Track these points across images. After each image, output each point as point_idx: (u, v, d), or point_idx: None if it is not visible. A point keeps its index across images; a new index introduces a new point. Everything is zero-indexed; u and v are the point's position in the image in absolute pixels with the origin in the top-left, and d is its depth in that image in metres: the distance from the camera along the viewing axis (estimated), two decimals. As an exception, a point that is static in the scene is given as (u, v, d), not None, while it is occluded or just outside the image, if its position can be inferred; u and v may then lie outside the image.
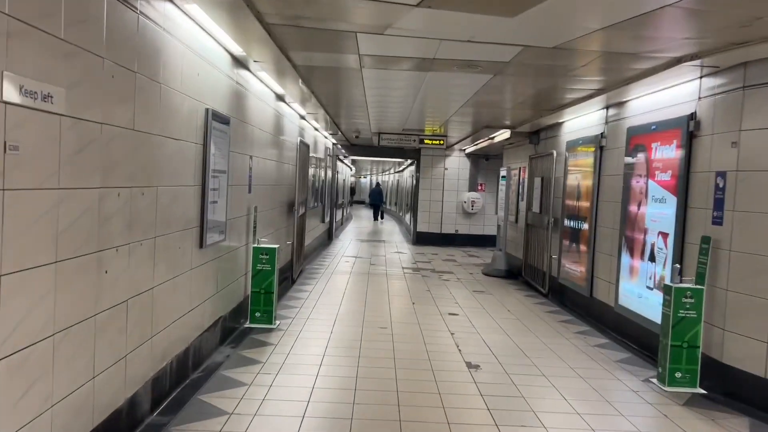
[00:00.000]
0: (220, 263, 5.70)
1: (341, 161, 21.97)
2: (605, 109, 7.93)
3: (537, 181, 10.51)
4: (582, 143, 8.59)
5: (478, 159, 17.69)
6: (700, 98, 5.69)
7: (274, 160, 8.35)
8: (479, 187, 17.79)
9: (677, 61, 5.06)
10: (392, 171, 34.08)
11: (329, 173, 16.93)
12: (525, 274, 11.15)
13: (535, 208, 10.54)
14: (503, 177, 12.28)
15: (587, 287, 8.09)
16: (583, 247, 8.34)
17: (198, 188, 4.90)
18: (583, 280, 8.26)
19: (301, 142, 9.67)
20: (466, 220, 17.70)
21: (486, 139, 13.19)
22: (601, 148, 7.95)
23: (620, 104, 7.45)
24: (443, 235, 17.58)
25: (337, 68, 6.34)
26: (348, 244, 16.96)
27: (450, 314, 7.91)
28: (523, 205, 11.84)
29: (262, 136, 7.47)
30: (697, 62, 4.98)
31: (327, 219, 16.84)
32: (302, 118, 10.91)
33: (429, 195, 17.67)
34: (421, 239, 17.63)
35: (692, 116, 5.75)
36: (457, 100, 8.41)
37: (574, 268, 8.63)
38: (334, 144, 17.51)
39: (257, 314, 6.74)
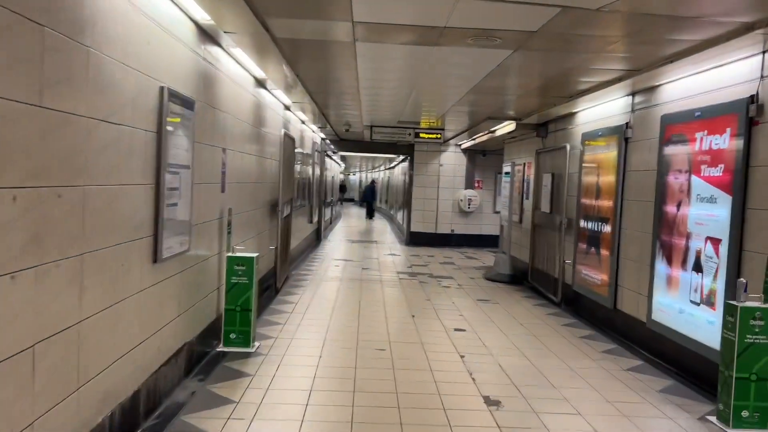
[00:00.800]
0: (183, 278, 4.67)
1: (330, 157, 20.94)
2: (630, 96, 6.98)
3: (546, 177, 9.55)
4: (602, 135, 7.63)
5: (475, 154, 16.74)
6: (762, 77, 4.74)
7: (255, 154, 7.32)
8: (476, 185, 16.83)
9: (747, 28, 4.10)
10: (383, 168, 33.08)
11: (317, 170, 15.89)
12: (532, 279, 10.20)
13: (544, 207, 9.58)
14: (507, 173, 11.32)
15: (610, 298, 7.14)
16: (604, 252, 7.39)
17: (150, 187, 3.87)
18: (604, 290, 7.31)
19: (285, 135, 8.65)
20: (463, 219, 16.75)
21: (486, 132, 12.23)
22: (626, 139, 7.00)
23: (650, 89, 6.50)
24: (439, 236, 16.61)
25: (325, 43, 5.32)
26: (338, 245, 15.95)
27: (456, 330, 6.93)
28: (528, 203, 10.88)
29: (240, 127, 6.44)
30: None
31: (315, 219, 15.82)
32: (287, 108, 9.88)
33: (423, 193, 16.69)
34: (415, 240, 16.65)
35: (752, 99, 4.80)
36: (461, 86, 7.43)
37: (592, 276, 7.68)
38: (322, 139, 16.48)
39: (232, 336, 5.72)
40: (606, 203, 7.39)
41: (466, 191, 16.56)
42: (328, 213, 21.29)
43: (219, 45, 5.40)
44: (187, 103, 4.42)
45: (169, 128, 4.05)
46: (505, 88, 7.37)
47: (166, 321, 4.31)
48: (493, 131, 11.80)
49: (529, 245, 10.56)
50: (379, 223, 26.01)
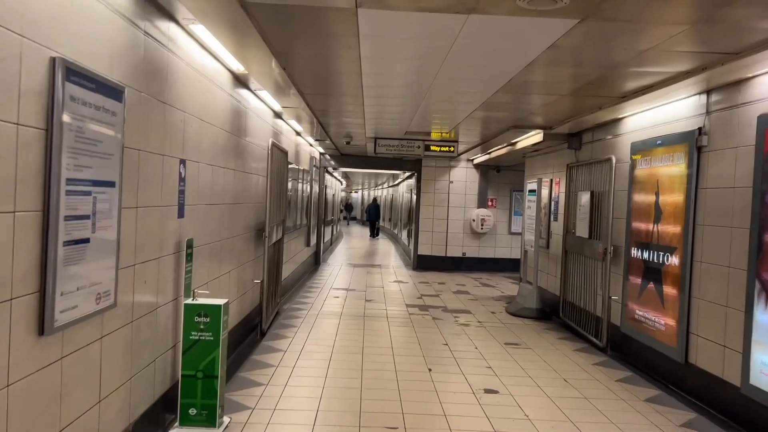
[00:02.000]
0: (108, 346, 3.21)
1: (330, 174, 19.55)
2: (704, 94, 5.55)
3: (582, 196, 8.10)
4: (662, 144, 6.19)
5: (487, 171, 15.31)
6: None
7: (233, 169, 5.90)
8: (489, 203, 15.39)
9: None
10: (386, 185, 31.69)
11: (316, 187, 14.48)
12: (564, 315, 8.71)
13: (581, 231, 8.12)
14: (531, 191, 9.86)
15: (679, 349, 5.65)
16: (668, 290, 5.91)
17: (32, 216, 2.43)
18: (670, 337, 5.83)
19: (274, 146, 7.24)
20: (475, 241, 15.28)
21: (505, 145, 10.81)
22: (699, 148, 5.56)
23: (735, 84, 5.07)
24: (448, 259, 15.12)
25: (318, 13, 3.91)
26: (338, 270, 14.46)
27: (486, 392, 5.43)
28: (557, 226, 9.42)
29: (210, 134, 5.02)
30: None
31: (313, 241, 14.37)
32: (278, 116, 8.47)
33: (432, 212, 15.25)
34: (422, 264, 15.17)
35: None
36: (489, 83, 6.01)
37: (651, 318, 6.20)
38: (321, 154, 15.09)
39: (192, 411, 4.23)
40: (670, 228, 5.93)
41: (478, 210, 15.12)
42: (328, 233, 19.85)
43: (173, 19, 4.00)
44: (109, 90, 2.99)
45: (70, 123, 2.62)
46: (543, 86, 5.95)
47: (72, 415, 2.84)
48: (514, 143, 10.39)
49: (559, 275, 9.08)
50: (383, 244, 24.53)
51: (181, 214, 4.31)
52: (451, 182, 15.21)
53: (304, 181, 12.08)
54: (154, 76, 3.73)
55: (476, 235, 15.24)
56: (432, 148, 10.81)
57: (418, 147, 10.79)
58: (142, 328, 3.71)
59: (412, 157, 14.50)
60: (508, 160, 13.80)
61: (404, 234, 21.06)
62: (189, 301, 4.27)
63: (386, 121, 9.08)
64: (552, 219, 9.65)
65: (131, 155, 3.38)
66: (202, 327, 4.21)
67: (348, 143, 10.99)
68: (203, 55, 4.77)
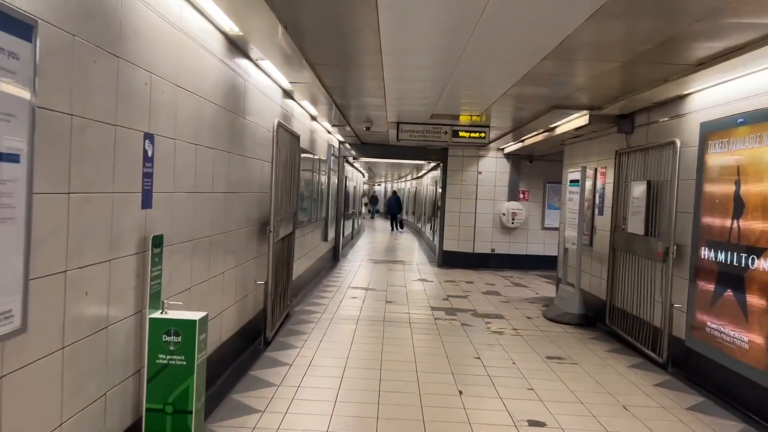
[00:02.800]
0: (13, 388, 2.29)
1: (351, 164, 18.61)
2: (806, 58, 4.46)
3: (636, 187, 7.02)
4: (746, 122, 5.10)
5: (519, 160, 14.22)
6: None
7: (227, 151, 4.97)
8: (521, 196, 14.30)
9: None
10: (410, 177, 30.67)
11: (334, 178, 13.55)
12: (611, 323, 7.64)
13: (634, 226, 7.04)
14: (574, 182, 8.77)
15: (769, 372, 4.59)
16: (755, 300, 4.83)
17: None
18: (756, 358, 4.76)
19: (281, 127, 6.31)
20: (505, 236, 14.21)
21: (543, 131, 9.74)
22: (799, 126, 4.47)
23: None
24: (476, 256, 14.08)
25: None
26: (358, 266, 13.52)
27: (531, 423, 4.44)
28: (602, 221, 8.35)
29: (192, 106, 4.09)
30: None
31: (332, 235, 13.45)
32: (288, 95, 7.53)
33: (458, 205, 14.21)
34: (448, 260, 14.15)
35: None
36: (531, 52, 4.98)
37: (730, 333, 5.12)
38: (341, 142, 14.15)
39: (159, 456, 3.32)
40: (757, 225, 4.84)
41: (509, 204, 14.04)
42: (348, 227, 18.94)
43: (131, -52, 3.06)
44: (6, 21, 2.06)
45: None
46: (599, 50, 4.90)
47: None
48: (553, 129, 9.31)
49: (604, 276, 8.02)
50: (406, 239, 23.55)
51: (147, 204, 3.39)
52: (480, 173, 14.15)
53: (321, 172, 11.15)
54: (98, 19, 2.80)
55: (506, 230, 14.18)
56: (461, 134, 9.78)
57: (445, 133, 9.77)
58: (82, 354, 2.79)
59: (438, 146, 13.50)
60: (542, 149, 12.70)
61: (428, 228, 20.07)
62: (156, 314, 3.35)
63: (409, 102, 8.08)
64: (596, 213, 8.57)
65: (57, 121, 2.45)
66: (172, 348, 3.29)
67: (368, 129, 10.02)
68: (183, 6, 3.84)
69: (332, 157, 12.51)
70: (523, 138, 11.39)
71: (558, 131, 9.16)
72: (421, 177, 24.37)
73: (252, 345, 6.12)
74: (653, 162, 6.73)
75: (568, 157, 10.12)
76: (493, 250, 14.17)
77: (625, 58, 5.04)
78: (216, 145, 4.65)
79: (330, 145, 12.19)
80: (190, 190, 4.09)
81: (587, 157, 9.14)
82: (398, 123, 9.78)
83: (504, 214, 14.02)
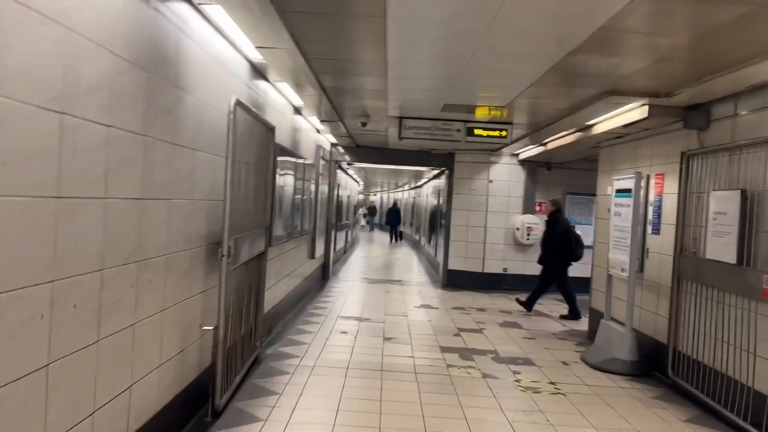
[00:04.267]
0: None
1: (344, 171, 16.83)
2: None
3: (722, 199, 5.25)
4: None
5: (536, 168, 12.47)
6: None
7: (142, 133, 3.19)
8: (538, 208, 12.53)
9: None
10: (408, 187, 28.91)
11: (325, 187, 11.75)
12: (675, 374, 5.86)
13: (716, 251, 5.26)
14: (622, 192, 6.98)
15: None
16: None
17: None
18: None
19: (241, 107, 4.54)
20: (519, 254, 12.43)
21: (574, 130, 7.99)
22: None
23: None
24: (486, 276, 12.29)
25: None
26: (350, 287, 11.70)
27: None
28: (656, 241, 6.59)
29: (46, 41, 2.30)
30: None
31: (321, 251, 11.63)
32: (259, 73, 5.77)
33: (466, 218, 12.43)
34: (454, 281, 12.36)
35: None
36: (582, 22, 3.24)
37: None
38: (333, 145, 12.38)
39: None
40: None
41: (524, 217, 12.28)
42: (341, 240, 17.14)
43: None
44: None
45: None
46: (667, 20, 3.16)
47: None
48: (589, 127, 7.57)
49: (663, 312, 6.26)
50: (404, 253, 21.75)
51: None
52: (491, 182, 12.39)
53: (308, 178, 9.37)
54: None
55: (521, 247, 12.40)
56: (476, 132, 8.01)
57: (458, 131, 8.00)
58: None
59: (446, 148, 11.76)
60: (563, 155, 10.98)
61: (429, 243, 18.28)
62: None
63: (417, 86, 6.32)
64: (651, 231, 6.81)
65: None
66: None
67: (364, 125, 8.24)
68: None
69: (322, 161, 10.73)
70: (545, 141, 9.65)
71: (597, 129, 7.41)
72: (420, 186, 22.60)
73: (195, 417, 4.30)
74: (749, 166, 4.97)
75: (606, 162, 8.37)
76: (505, 269, 12.39)
77: (716, 22, 3.29)
78: (116, 121, 2.86)
79: (319, 147, 10.42)
80: (36, 193, 2.29)
81: (635, 161, 7.39)
82: (401, 118, 8.01)
83: (518, 229, 12.25)
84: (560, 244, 9.49)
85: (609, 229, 7.36)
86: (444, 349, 6.94)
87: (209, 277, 4.47)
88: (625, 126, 6.77)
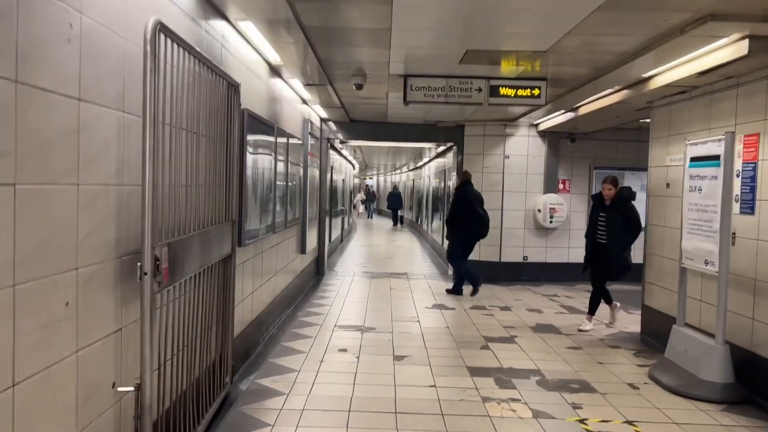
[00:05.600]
0: None
1: (338, 152, 15.17)
2: None
3: None
4: None
5: (558, 140, 10.84)
6: None
7: None
8: (561, 186, 10.94)
9: None
10: (406, 169, 27.24)
11: (314, 169, 10.09)
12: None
13: None
14: (700, 160, 5.33)
15: None
16: None
17: None
18: None
19: (168, 36, 2.92)
20: (541, 239, 10.85)
21: (620, 88, 6.36)
22: None
23: None
24: (504, 266, 10.72)
25: None
26: (349, 284, 10.11)
27: None
28: (747, 224, 4.99)
29: None
30: None
31: (313, 244, 10.02)
32: (210, 4, 4.10)
33: (479, 200, 10.82)
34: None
35: None
36: None
37: None
38: (323, 120, 10.72)
39: None
40: None
41: (546, 197, 10.68)
42: (337, 228, 15.55)
43: None
44: None
45: None
46: None
47: None
48: (647, 79, 5.94)
49: (761, 317, 4.68)
50: (406, 238, 20.17)
51: None
52: (507, 157, 10.77)
53: (293, 158, 7.73)
54: None
55: (542, 232, 10.82)
56: (503, 91, 6.36)
57: (479, 90, 6.34)
58: None
59: (453, 120, 10.14)
60: (593, 123, 9.36)
61: (432, 228, 16.70)
62: None
63: (429, 28, 4.67)
64: (739, 210, 5.20)
65: None
66: None
67: (359, 87, 6.59)
68: None
69: (310, 139, 9.07)
70: (577, 105, 8.00)
71: (657, 83, 5.81)
72: (421, 167, 20.94)
73: None
74: None
75: (662, 126, 6.73)
76: (525, 258, 10.81)
77: None
78: None
79: (307, 122, 8.76)
80: None
81: (708, 121, 5.77)
82: (406, 76, 6.35)
83: (539, 211, 10.66)
84: (465, 219, 8.94)
85: (680, 210, 5.75)
86: (473, 371, 5.35)
87: (127, 308, 2.85)
88: (701, 74, 5.17)
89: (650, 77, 5.95)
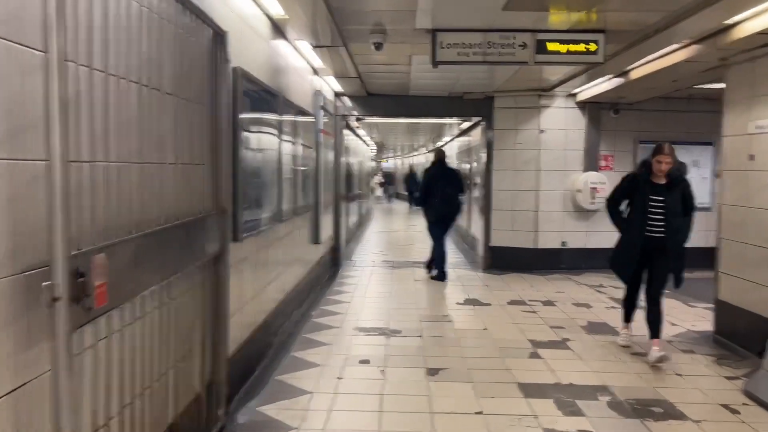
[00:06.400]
0: None
1: (354, 132, 14.13)
2: None
3: None
4: None
5: (599, 111, 9.69)
6: None
7: None
8: (603, 163, 9.82)
9: None
10: (425, 150, 26.08)
11: (329, 152, 9.06)
12: None
13: None
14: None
15: None
16: None
17: None
18: None
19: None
20: (581, 223, 9.76)
21: (693, 41, 5.24)
22: None
23: None
24: (540, 253, 9.66)
25: None
26: (368, 277, 9.13)
27: None
28: None
29: None
30: None
31: (327, 232, 9.04)
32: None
33: (512, 180, 9.75)
34: (499, 260, 9.76)
35: None
36: None
37: None
38: (337, 95, 9.69)
39: None
40: None
41: (586, 175, 9.58)
42: (353, 214, 14.59)
43: None
44: None
45: None
46: None
47: None
48: (729, 27, 4.82)
49: None
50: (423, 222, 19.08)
51: None
52: (542, 132, 9.65)
53: (303, 135, 6.72)
54: None
55: (583, 214, 9.73)
56: (550, 47, 5.26)
57: (523, 46, 5.25)
58: None
59: (482, 91, 9.06)
60: (642, 90, 8.24)
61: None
62: None
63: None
64: None
65: None
66: None
67: (378, 47, 5.54)
68: None
69: (323, 114, 8.04)
70: (629, 67, 6.89)
71: (741, 32, 4.71)
72: (440, 148, 19.72)
73: None
74: None
75: (743, 86, 5.58)
76: (564, 243, 9.73)
77: None
78: None
79: (318, 94, 7.72)
80: None
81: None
82: (435, 31, 5.28)
83: (579, 191, 9.55)
84: (429, 200, 8.73)
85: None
86: (526, 390, 4.34)
87: (31, 352, 1.86)
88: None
89: (734, 25, 4.84)
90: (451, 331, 5.93)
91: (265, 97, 4.76)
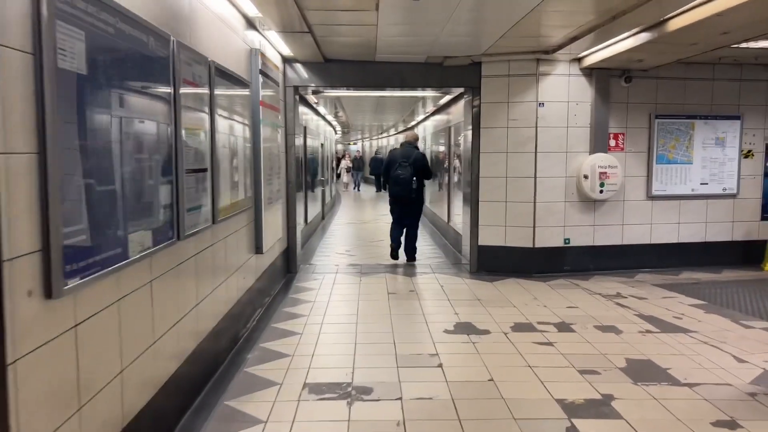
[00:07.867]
0: None
1: (313, 109, 12.16)
2: None
3: None
4: None
5: (608, 79, 7.94)
6: None
7: None
8: (612, 143, 8.09)
9: None
10: (394, 131, 24.22)
11: (278, 131, 7.08)
12: None
13: None
14: None
15: None
16: None
17: None
18: None
19: None
20: (587, 215, 8.05)
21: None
22: None
23: None
24: (538, 253, 7.92)
25: None
26: (329, 290, 7.25)
27: None
28: None
29: None
30: None
31: (275, 237, 7.11)
32: None
33: (503, 165, 7.96)
34: (488, 262, 8.02)
35: None
36: None
37: None
38: (286, 60, 7.75)
39: None
40: None
41: (594, 158, 7.84)
42: (315, 206, 12.70)
43: None
44: None
45: None
46: None
47: None
48: None
49: None
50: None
51: None
52: (541, 105, 7.86)
53: (236, 108, 4.78)
54: None
55: (589, 205, 8.02)
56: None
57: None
58: None
59: (470, 56, 7.20)
60: (670, 50, 6.50)
61: (429, 198, 13.86)
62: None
63: None
64: None
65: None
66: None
67: None
68: None
69: (265, 81, 6.08)
70: (669, 15, 5.12)
71: None
72: (412, 128, 17.87)
73: None
74: None
75: None
76: (567, 240, 8.01)
77: None
78: None
79: (256, 54, 5.75)
80: None
81: None
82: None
83: (586, 177, 7.83)
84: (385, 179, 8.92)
85: None
86: None
87: None
88: None
89: None
90: (442, 387, 4.12)
91: (128, 30, 2.83)
